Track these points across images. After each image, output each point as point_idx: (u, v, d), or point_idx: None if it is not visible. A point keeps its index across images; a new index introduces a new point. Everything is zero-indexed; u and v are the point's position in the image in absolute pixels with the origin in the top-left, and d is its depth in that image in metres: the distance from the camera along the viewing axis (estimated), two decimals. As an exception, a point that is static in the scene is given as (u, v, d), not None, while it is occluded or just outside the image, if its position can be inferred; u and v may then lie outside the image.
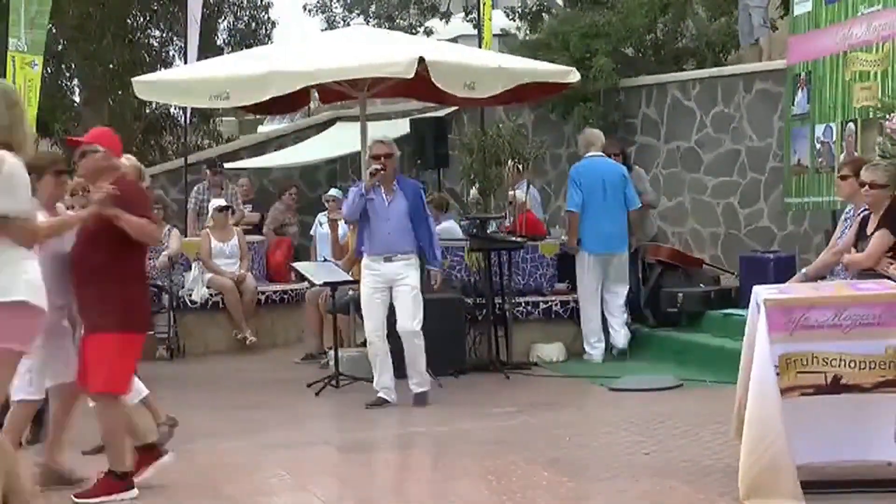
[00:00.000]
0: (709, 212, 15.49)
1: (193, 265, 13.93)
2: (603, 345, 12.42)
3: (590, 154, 12.63)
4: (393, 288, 10.17)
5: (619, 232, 12.47)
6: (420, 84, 11.66)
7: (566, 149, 17.28)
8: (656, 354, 12.28)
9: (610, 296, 12.49)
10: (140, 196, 7.33)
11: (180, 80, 12.45)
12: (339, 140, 18.39)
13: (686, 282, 12.92)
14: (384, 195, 10.22)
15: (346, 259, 12.64)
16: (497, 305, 12.20)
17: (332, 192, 14.45)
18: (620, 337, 12.48)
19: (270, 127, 25.51)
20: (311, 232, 14.98)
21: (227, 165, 17.45)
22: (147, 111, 22.98)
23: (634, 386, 10.77)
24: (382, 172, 10.21)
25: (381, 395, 10.27)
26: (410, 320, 10.10)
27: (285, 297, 14.74)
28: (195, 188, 15.69)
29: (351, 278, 11.51)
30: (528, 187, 13.56)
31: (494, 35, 16.33)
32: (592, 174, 12.44)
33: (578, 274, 12.53)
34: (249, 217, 16.02)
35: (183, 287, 13.82)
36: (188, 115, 17.63)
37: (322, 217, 14.53)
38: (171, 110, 22.55)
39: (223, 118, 26.04)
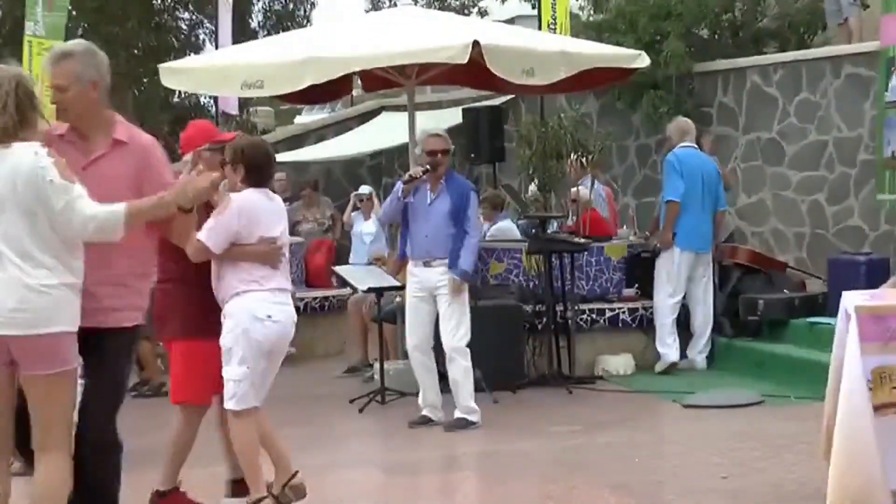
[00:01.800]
0: (793, 210, 15.36)
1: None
2: (678, 344, 12.45)
3: (684, 144, 12.75)
4: (438, 299, 10.07)
5: (710, 231, 12.66)
6: (474, 70, 11.61)
7: (634, 140, 17.24)
8: (735, 367, 12.23)
9: (696, 304, 12.58)
10: None
11: (210, 67, 12.38)
12: (385, 131, 18.21)
13: (767, 287, 12.81)
14: (429, 193, 10.12)
15: (391, 261, 12.63)
16: (558, 313, 12.17)
17: (364, 189, 14.30)
18: (699, 357, 12.57)
19: (309, 118, 25.42)
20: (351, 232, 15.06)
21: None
22: (175, 100, 22.94)
23: (711, 402, 10.70)
24: (427, 175, 10.10)
25: (424, 412, 10.23)
26: (449, 335, 9.98)
27: (326, 304, 14.75)
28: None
29: (398, 283, 11.43)
30: (592, 183, 13.49)
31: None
32: (692, 165, 12.59)
33: (661, 271, 12.54)
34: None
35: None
36: (219, 105, 17.47)
37: (356, 217, 14.60)
38: (202, 100, 22.39)
39: (258, 108, 26.19)
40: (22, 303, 5.45)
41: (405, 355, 11.69)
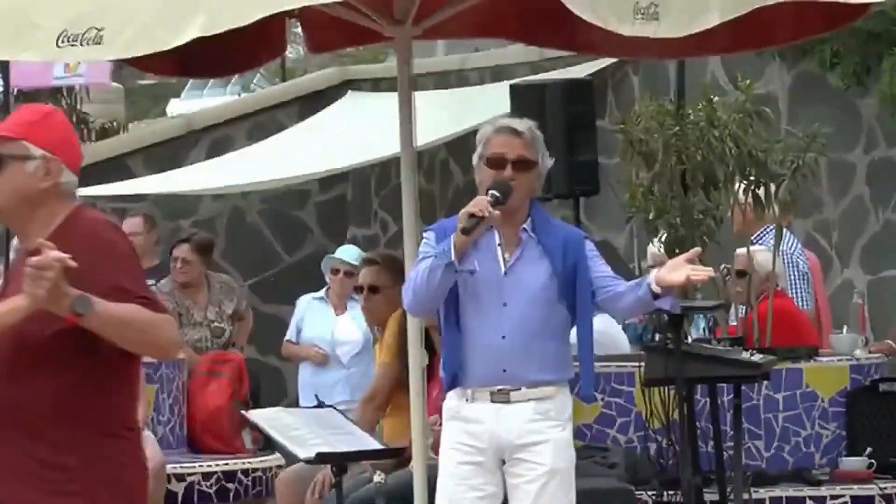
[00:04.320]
0: None
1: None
2: None
3: None
4: (509, 470, 8.49)
5: None
6: (530, 8, 10.19)
7: (865, 152, 15.05)
8: None
9: None
10: None
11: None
12: (353, 131, 16.80)
13: None
14: (499, 250, 8.71)
15: (366, 399, 11.01)
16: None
17: (345, 252, 13.64)
18: None
19: (195, 103, 24.42)
20: (289, 338, 14.08)
21: (89, 192, 15.06)
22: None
23: None
24: (497, 213, 8.50)
25: None
26: None
27: (233, 486, 12.89)
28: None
29: (375, 445, 10.15)
30: (779, 239, 12.21)
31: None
32: None
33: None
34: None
35: None
36: (11, 76, 16.36)
37: (315, 302, 13.92)
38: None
39: (92, 84, 25.17)
40: None
41: None
